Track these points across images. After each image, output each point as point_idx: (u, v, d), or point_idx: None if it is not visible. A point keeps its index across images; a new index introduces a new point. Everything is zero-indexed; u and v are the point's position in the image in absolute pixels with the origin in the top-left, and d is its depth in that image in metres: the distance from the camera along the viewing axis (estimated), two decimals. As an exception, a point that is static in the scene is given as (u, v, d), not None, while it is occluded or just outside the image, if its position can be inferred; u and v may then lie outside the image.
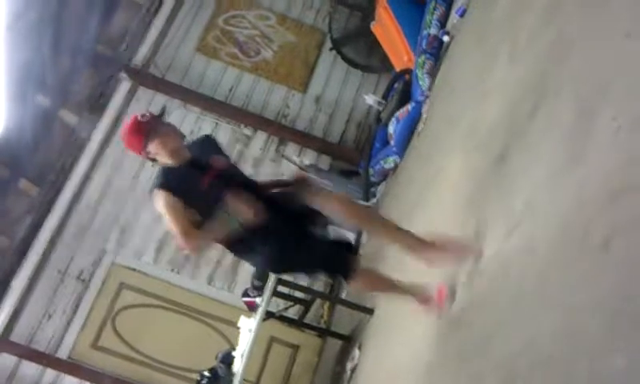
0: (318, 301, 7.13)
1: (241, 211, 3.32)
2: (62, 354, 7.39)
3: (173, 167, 3.51)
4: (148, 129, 3.47)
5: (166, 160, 3.52)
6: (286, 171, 7.85)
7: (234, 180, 3.59)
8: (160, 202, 3.42)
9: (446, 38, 6.22)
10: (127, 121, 3.57)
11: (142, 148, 3.48)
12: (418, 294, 3.59)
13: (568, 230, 2.32)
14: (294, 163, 7.62)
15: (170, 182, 3.46)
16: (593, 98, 2.56)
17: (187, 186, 3.43)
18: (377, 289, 4.03)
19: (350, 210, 3.68)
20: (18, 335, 7.40)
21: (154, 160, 3.56)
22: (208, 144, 3.87)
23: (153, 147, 3.47)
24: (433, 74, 6.26)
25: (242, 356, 5.20)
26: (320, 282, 7.57)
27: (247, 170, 7.93)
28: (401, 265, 4.12)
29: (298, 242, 3.54)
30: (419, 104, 6.29)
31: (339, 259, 3.64)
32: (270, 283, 5.49)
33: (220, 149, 3.84)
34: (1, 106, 6.67)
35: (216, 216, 3.37)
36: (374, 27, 7.65)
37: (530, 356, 2.23)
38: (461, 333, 3.12)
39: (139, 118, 3.51)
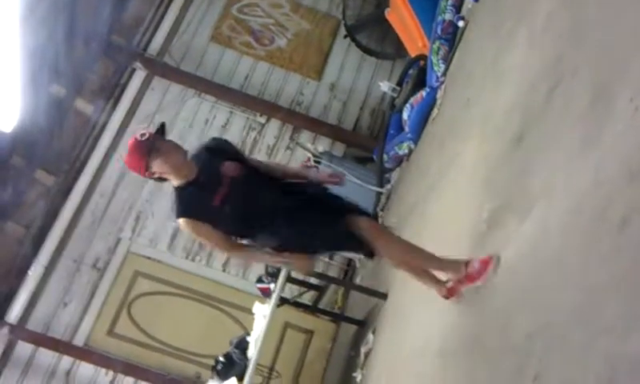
0: (332, 287, 7.14)
1: (293, 266, 3.32)
2: (79, 341, 7.45)
3: (184, 188, 3.42)
4: (149, 148, 3.36)
5: (171, 178, 3.44)
6: (301, 158, 7.86)
7: (248, 186, 3.47)
8: (188, 230, 3.43)
9: (461, 23, 6.16)
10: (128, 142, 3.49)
11: (144, 168, 3.39)
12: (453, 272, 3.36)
13: (585, 210, 2.30)
14: (309, 151, 7.60)
15: (188, 207, 3.40)
16: (610, 80, 2.54)
17: (204, 208, 3.37)
18: (407, 260, 3.61)
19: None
20: (35, 323, 7.45)
21: (159, 179, 3.49)
22: (216, 149, 3.64)
23: (156, 166, 3.38)
24: (448, 59, 6.22)
25: (257, 341, 5.23)
26: (334, 268, 7.59)
27: (261, 158, 8.18)
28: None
29: (318, 222, 3.44)
30: (434, 90, 6.25)
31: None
32: (283, 270, 5.49)
33: (229, 150, 3.65)
34: (16, 96, 6.69)
35: (262, 249, 3.40)
36: (389, 14, 7.61)
37: (547, 337, 2.22)
38: (476, 315, 3.11)
39: (138, 137, 3.41)
